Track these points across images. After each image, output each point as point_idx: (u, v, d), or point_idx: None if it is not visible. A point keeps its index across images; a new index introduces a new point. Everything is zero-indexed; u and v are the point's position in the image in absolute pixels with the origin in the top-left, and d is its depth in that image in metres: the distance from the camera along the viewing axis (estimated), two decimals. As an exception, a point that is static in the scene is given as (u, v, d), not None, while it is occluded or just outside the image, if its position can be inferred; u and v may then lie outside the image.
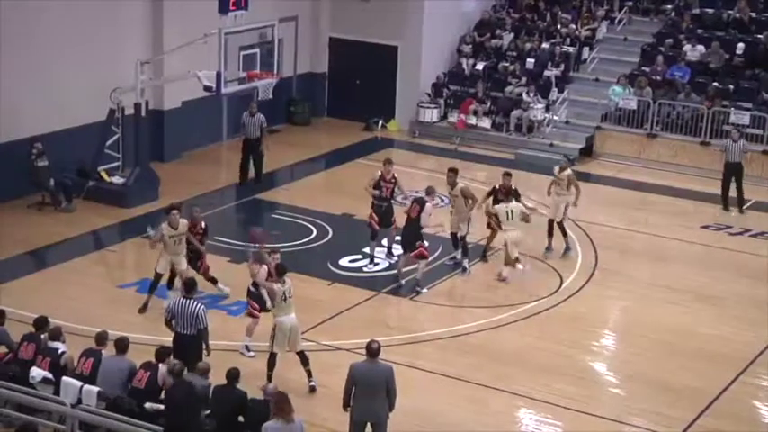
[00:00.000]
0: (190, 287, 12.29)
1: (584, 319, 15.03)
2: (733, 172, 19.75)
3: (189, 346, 11.75)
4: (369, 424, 10.74)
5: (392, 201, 16.58)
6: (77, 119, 18.85)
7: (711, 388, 13.05)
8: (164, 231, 14.35)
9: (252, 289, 13.43)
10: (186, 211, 14.97)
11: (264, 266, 13.22)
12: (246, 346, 13.37)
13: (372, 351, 10.67)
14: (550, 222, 17.22)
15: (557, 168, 17.53)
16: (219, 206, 19.46)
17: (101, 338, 11.41)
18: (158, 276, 14.55)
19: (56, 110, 18.55)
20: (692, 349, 14.17)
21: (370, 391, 10.59)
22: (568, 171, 17.41)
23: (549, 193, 17.48)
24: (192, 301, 12.03)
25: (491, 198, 16.63)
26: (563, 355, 13.81)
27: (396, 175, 16.54)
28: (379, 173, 16.49)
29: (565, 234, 17.21)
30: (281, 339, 12.39)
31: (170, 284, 14.87)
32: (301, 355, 12.56)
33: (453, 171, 16.40)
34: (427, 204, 15.57)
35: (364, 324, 14.44)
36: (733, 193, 19.78)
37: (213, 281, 15.06)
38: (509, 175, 16.74)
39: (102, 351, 11.26)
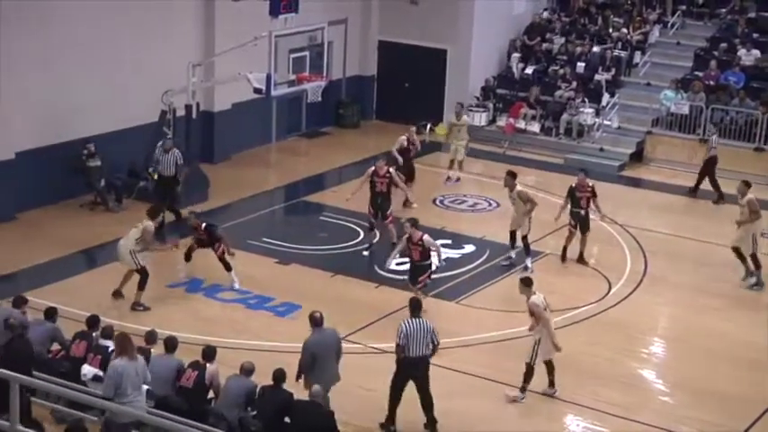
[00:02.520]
0: (417, 307, 11.79)
1: (632, 325, 14.88)
2: (711, 165, 20.26)
3: (426, 367, 11.54)
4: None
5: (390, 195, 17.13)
6: (130, 120, 19.10)
7: (761, 397, 12.85)
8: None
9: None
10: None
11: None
12: None
13: (318, 321, 11.44)
14: (735, 249, 16.24)
15: (739, 195, 16.36)
16: (268, 207, 19.60)
17: (150, 337, 11.55)
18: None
19: (109, 111, 18.81)
20: (740, 357, 13.97)
21: (327, 358, 11.33)
22: (749, 195, 16.09)
23: (738, 224, 16.23)
24: (422, 319, 11.60)
25: (569, 199, 16.83)
26: (610, 362, 13.69)
27: (391, 171, 17.02)
28: (373, 168, 16.92)
29: (758, 266, 16.03)
30: (547, 349, 12.47)
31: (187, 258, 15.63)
32: (549, 363, 12.69)
33: (511, 174, 16.54)
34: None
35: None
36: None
37: (228, 266, 15.36)
38: (585, 171, 17.07)
39: (152, 350, 11.40)
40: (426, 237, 14.58)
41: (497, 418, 12.22)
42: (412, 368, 11.47)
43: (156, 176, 17.98)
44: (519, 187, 16.38)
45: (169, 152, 17.68)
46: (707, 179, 20.38)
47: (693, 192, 20.55)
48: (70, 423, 9.42)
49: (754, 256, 16.09)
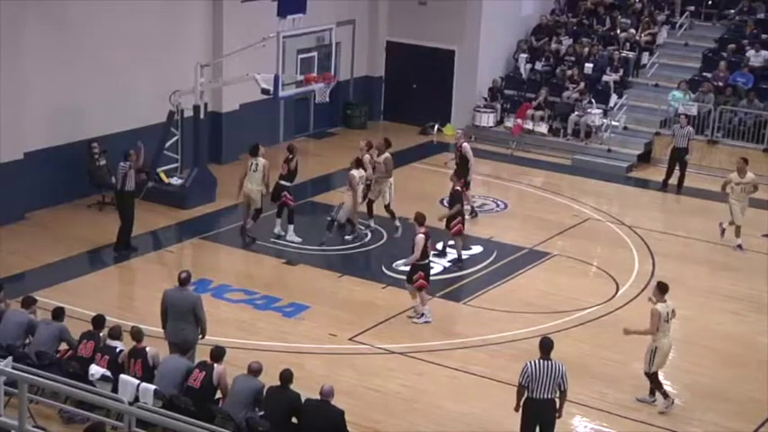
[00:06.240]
0: (548, 348, 10.89)
1: (640, 326, 14.80)
2: (678, 156, 20.58)
3: (552, 409, 10.89)
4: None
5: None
6: (138, 120, 19.12)
7: (771, 399, 12.81)
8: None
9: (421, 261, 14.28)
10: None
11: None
12: (423, 314, 14.45)
13: (181, 280, 12.13)
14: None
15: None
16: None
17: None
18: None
19: (118, 111, 18.84)
20: (751, 360, 13.92)
21: (179, 316, 11.96)
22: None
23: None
24: (552, 361, 10.77)
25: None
26: (619, 363, 13.65)
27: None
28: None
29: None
30: (660, 361, 12.48)
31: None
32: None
33: (386, 141, 17.77)
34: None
35: (418, 328, 14.42)
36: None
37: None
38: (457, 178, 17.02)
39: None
40: (418, 237, 14.32)
41: (504, 420, 12.17)
42: (537, 410, 10.80)
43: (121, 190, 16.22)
44: (388, 154, 17.41)
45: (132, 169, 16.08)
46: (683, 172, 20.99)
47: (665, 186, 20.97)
48: (91, 423, 9.41)
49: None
